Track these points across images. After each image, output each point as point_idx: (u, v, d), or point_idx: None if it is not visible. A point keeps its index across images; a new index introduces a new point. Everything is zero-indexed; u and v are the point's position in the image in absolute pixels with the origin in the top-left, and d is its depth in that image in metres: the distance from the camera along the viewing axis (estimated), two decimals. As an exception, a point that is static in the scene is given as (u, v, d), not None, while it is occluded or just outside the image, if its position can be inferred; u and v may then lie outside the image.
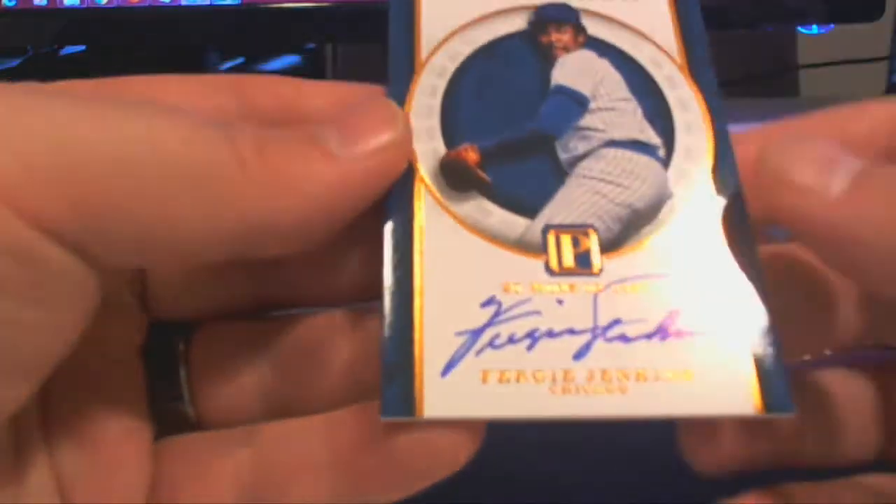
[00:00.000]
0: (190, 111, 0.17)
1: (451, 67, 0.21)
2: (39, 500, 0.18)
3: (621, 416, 0.17)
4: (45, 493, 0.18)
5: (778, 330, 0.18)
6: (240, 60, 0.52)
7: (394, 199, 0.19)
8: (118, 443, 0.19)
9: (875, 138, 0.20)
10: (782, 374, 0.18)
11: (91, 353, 0.19)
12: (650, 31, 0.22)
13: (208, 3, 0.42)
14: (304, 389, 0.20)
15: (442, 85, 0.21)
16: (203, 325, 0.21)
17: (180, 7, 0.43)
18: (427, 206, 0.19)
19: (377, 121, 0.18)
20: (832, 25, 0.47)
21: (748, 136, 0.21)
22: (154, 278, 0.21)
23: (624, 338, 0.18)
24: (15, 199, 0.15)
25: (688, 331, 0.18)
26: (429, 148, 0.20)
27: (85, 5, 0.42)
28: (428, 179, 0.19)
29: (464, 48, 0.21)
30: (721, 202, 0.20)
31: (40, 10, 0.43)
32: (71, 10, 0.43)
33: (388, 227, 0.19)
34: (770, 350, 0.18)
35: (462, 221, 0.19)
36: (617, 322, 0.18)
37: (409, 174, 0.19)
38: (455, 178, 0.20)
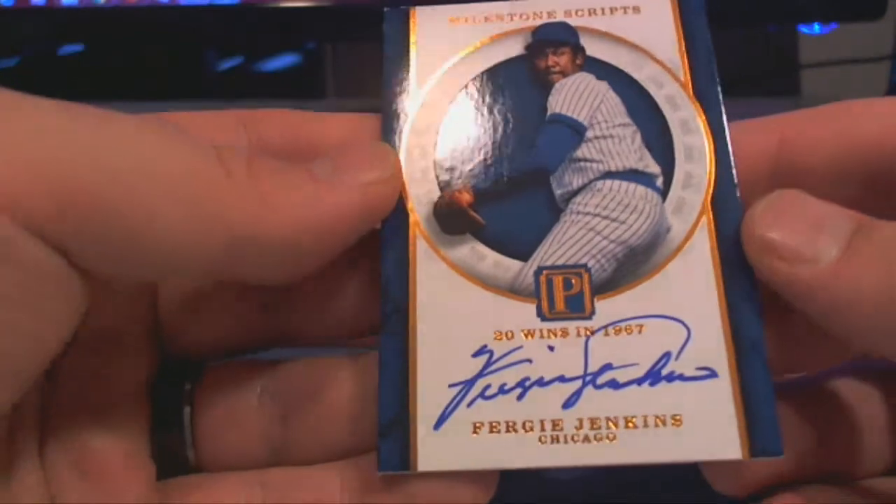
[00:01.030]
0: (179, 125, 0.18)
1: (446, 100, 0.21)
2: None
3: (609, 464, 0.18)
4: None
5: (770, 373, 0.18)
6: (238, 60, 0.52)
7: (389, 244, 0.20)
8: (120, 473, 0.19)
9: (885, 139, 0.19)
10: (771, 417, 0.17)
11: (97, 383, 0.20)
12: (653, 46, 0.21)
13: (207, 2, 0.42)
14: (310, 435, 0.20)
15: (436, 121, 0.21)
16: (211, 365, 0.21)
17: (179, 6, 0.42)
18: (421, 252, 0.19)
19: (368, 158, 0.19)
20: (834, 25, 0.45)
21: (764, 126, 0.21)
22: (165, 313, 0.21)
23: (614, 383, 0.18)
24: (2, 196, 0.15)
25: (678, 375, 0.18)
26: (422, 191, 0.20)
27: (83, 4, 0.42)
28: (422, 224, 0.20)
29: (459, 79, 0.21)
30: (720, 236, 0.19)
31: (38, 9, 0.43)
32: (69, 10, 0.42)
33: (385, 275, 0.19)
34: (760, 393, 0.18)
35: (455, 266, 0.19)
36: (608, 367, 0.18)
37: (403, 219, 0.20)
38: (449, 222, 0.20)
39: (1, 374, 0.16)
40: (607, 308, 0.19)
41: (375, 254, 0.20)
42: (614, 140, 0.20)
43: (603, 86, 0.21)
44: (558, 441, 0.18)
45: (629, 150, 0.20)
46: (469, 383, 0.18)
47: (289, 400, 0.20)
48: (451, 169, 0.20)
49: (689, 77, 0.21)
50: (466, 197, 0.20)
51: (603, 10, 0.22)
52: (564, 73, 0.21)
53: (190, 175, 0.17)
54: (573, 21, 0.22)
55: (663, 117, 0.20)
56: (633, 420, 0.18)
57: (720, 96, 0.20)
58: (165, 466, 0.20)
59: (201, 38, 0.45)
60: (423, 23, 0.22)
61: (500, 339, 0.19)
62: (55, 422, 0.19)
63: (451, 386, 0.18)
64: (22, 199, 0.15)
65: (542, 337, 0.19)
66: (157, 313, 0.21)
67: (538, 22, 0.22)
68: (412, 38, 0.22)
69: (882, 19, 0.43)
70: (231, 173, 0.17)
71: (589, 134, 0.20)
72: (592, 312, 0.19)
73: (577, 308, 0.19)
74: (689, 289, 0.19)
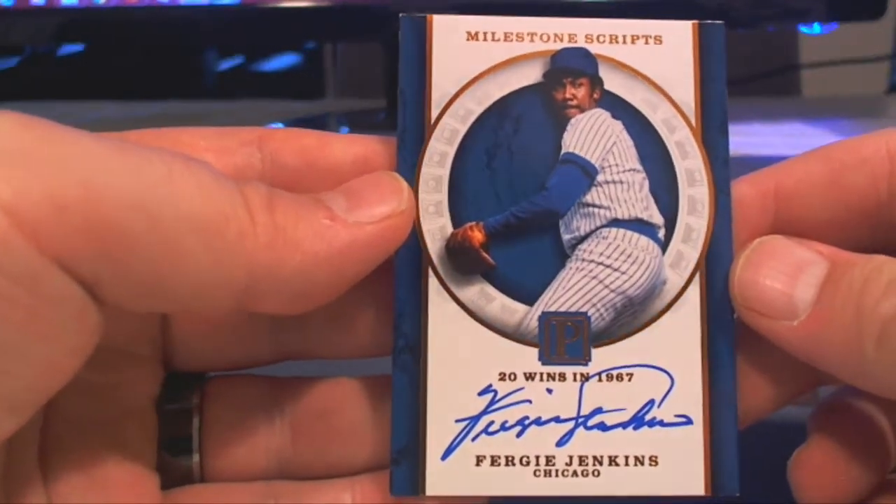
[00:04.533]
0: (205, 162, 0.18)
1: (462, 130, 0.21)
2: None
3: (593, 496, 0.20)
4: None
5: (736, 422, 0.20)
6: (239, 60, 0.49)
7: (403, 279, 0.21)
8: (126, 489, 0.20)
9: (877, 184, 0.21)
10: (733, 462, 0.20)
11: (106, 400, 0.20)
12: (670, 84, 0.21)
13: (207, 2, 0.40)
14: (317, 454, 0.21)
15: (451, 152, 0.21)
16: (217, 378, 0.22)
17: (179, 6, 0.41)
18: (433, 291, 0.21)
19: (382, 191, 0.20)
20: (834, 25, 0.44)
21: (758, 178, 0.22)
22: (176, 332, 0.21)
23: (602, 426, 0.20)
24: (36, 231, 0.15)
25: (659, 420, 0.20)
26: (436, 226, 0.21)
27: (83, 5, 0.40)
28: (435, 260, 0.21)
29: (475, 107, 0.21)
30: (709, 293, 0.21)
31: (38, 10, 0.42)
32: (69, 10, 0.41)
33: (397, 310, 0.20)
34: (727, 441, 0.20)
35: (465, 308, 0.21)
36: (598, 411, 0.20)
37: (417, 254, 0.21)
38: (460, 262, 0.21)
39: (11, 403, 0.16)
40: (603, 356, 0.21)
41: (387, 277, 0.21)
42: (623, 186, 0.21)
43: (618, 126, 0.21)
44: (550, 475, 0.20)
45: (636, 198, 0.21)
46: (474, 419, 0.20)
47: (299, 418, 0.21)
48: (465, 204, 0.21)
49: (699, 123, 0.21)
50: (478, 236, 0.21)
51: (625, 37, 0.21)
52: (581, 108, 0.21)
53: (219, 219, 0.17)
54: (594, 47, 0.21)
55: (672, 166, 0.21)
56: (616, 459, 0.20)
57: (728, 148, 0.21)
58: (171, 479, 0.21)
59: (201, 38, 0.43)
60: (440, 35, 0.21)
61: (504, 380, 0.20)
62: (59, 435, 0.20)
63: (457, 421, 0.20)
64: (53, 233, 0.15)
65: (541, 380, 0.20)
66: (167, 330, 0.21)
67: (558, 45, 0.21)
68: (429, 56, 0.21)
69: (882, 19, 0.43)
70: (255, 216, 0.17)
71: (599, 178, 0.21)
72: (589, 359, 0.21)
73: (575, 354, 0.21)
74: (677, 342, 0.21)
